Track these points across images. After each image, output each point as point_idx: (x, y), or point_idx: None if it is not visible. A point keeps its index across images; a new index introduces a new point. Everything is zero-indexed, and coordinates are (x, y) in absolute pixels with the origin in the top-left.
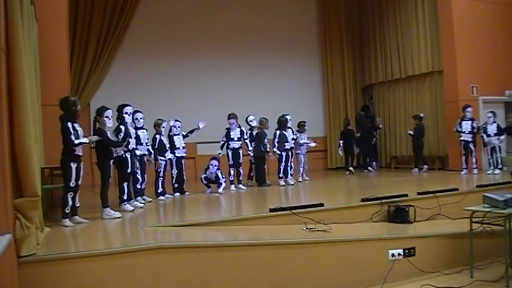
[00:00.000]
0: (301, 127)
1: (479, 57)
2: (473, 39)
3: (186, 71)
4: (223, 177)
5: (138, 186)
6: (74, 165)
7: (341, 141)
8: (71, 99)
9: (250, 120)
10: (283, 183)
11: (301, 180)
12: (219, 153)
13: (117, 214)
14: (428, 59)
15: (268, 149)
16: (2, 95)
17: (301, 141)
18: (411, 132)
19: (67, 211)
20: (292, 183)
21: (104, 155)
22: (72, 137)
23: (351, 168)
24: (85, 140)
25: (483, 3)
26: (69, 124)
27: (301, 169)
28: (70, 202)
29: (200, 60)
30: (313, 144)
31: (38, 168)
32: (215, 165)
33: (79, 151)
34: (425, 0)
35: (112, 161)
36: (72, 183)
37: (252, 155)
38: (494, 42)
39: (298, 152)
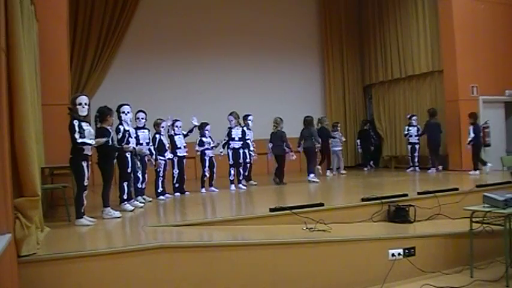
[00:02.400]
0: (335, 127)
1: (480, 57)
2: (473, 39)
3: (186, 71)
4: None
5: (139, 185)
6: (85, 164)
7: (358, 141)
8: (73, 96)
9: (250, 120)
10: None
11: (344, 172)
12: (221, 153)
13: (117, 214)
14: (429, 59)
15: (291, 148)
16: (2, 95)
17: (343, 139)
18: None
19: (83, 210)
20: (317, 180)
21: (106, 155)
22: (76, 135)
23: (370, 165)
24: (91, 142)
25: (484, 3)
26: (76, 122)
27: (342, 163)
28: (85, 201)
29: (200, 60)
30: (343, 138)
31: (38, 167)
32: None
33: (88, 151)
34: (425, 0)
35: (114, 160)
36: (85, 182)
37: (272, 154)
38: (494, 42)
39: (336, 148)
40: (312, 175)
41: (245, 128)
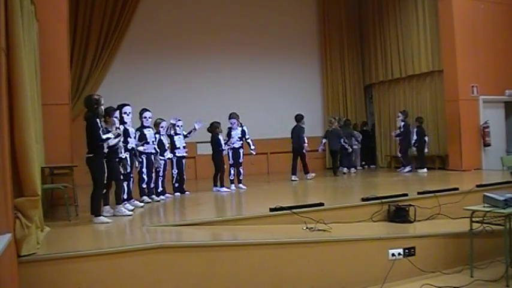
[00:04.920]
0: (354, 127)
1: (480, 57)
2: (473, 39)
3: (185, 70)
4: None
5: (144, 185)
6: (104, 163)
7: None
8: (94, 97)
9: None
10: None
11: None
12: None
13: (128, 212)
14: (429, 59)
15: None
16: (2, 95)
17: (359, 138)
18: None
19: (99, 208)
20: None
21: (111, 155)
22: (101, 133)
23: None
24: (111, 136)
25: (483, 2)
26: (98, 120)
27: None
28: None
29: (199, 58)
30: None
31: (38, 167)
32: None
33: (105, 148)
34: (425, 0)
35: (117, 159)
36: (105, 180)
37: (323, 148)
38: (494, 42)
39: (355, 147)
40: (352, 169)
41: (245, 128)
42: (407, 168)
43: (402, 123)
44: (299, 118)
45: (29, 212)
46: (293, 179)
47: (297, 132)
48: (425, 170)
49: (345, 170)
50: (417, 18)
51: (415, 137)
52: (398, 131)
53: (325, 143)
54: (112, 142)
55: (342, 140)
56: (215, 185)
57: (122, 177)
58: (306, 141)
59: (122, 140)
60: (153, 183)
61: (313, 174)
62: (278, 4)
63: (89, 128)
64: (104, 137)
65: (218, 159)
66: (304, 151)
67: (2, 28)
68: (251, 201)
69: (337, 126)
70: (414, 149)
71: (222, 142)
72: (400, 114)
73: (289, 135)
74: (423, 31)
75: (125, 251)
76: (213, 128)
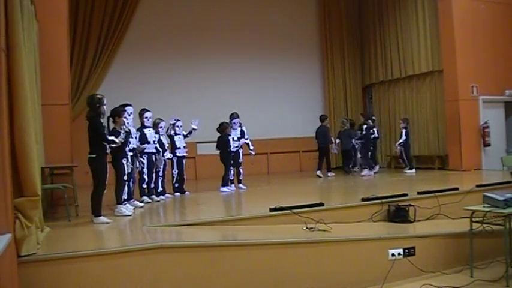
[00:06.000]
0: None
1: (480, 56)
2: (473, 39)
3: (185, 70)
4: None
5: (144, 185)
6: (106, 163)
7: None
8: (97, 96)
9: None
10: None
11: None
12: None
13: (128, 212)
14: (429, 59)
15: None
16: (2, 95)
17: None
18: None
19: (99, 208)
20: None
21: (119, 154)
22: (106, 133)
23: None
24: (116, 140)
25: (483, 3)
26: (101, 119)
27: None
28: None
29: (199, 59)
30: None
31: (38, 167)
32: None
33: (108, 149)
34: (425, 0)
35: (125, 159)
36: (106, 181)
37: (337, 148)
38: (494, 42)
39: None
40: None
41: (244, 128)
42: (368, 171)
43: (364, 126)
44: (323, 118)
45: (29, 212)
46: (318, 174)
47: (323, 132)
48: (413, 170)
49: (356, 169)
50: (417, 18)
51: (404, 137)
52: (359, 134)
53: (338, 143)
54: (119, 140)
55: (353, 140)
56: (224, 185)
57: (125, 177)
58: (333, 140)
59: (129, 139)
60: (153, 184)
61: (333, 174)
62: (278, 4)
63: (91, 128)
64: (110, 138)
65: (227, 159)
66: (333, 151)
67: (2, 28)
68: (251, 201)
69: (348, 127)
70: (402, 149)
71: (231, 143)
72: (361, 117)
73: (289, 135)
74: (423, 31)
75: (125, 251)
76: (223, 128)
